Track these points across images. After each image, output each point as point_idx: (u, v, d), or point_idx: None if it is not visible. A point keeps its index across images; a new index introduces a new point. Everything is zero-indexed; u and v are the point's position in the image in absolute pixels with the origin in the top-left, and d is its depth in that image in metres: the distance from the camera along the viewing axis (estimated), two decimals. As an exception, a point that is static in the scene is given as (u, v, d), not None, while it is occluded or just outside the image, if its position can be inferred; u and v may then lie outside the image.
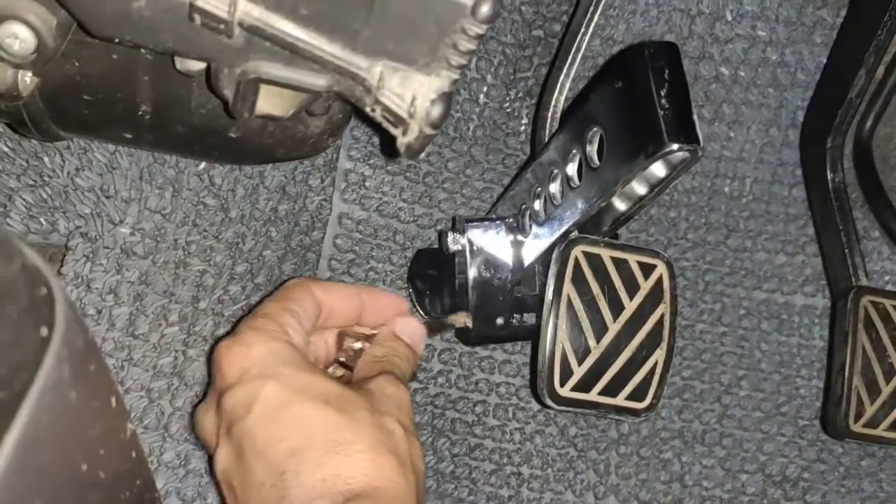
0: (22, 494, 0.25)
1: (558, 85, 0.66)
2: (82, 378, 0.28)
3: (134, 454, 0.35)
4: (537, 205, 0.63)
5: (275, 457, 0.45)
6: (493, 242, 0.66)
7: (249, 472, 0.46)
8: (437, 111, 0.38)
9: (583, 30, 0.66)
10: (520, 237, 0.65)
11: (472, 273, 0.65)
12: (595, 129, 0.54)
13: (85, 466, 0.29)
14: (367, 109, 0.39)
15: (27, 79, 0.46)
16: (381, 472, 0.45)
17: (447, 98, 0.38)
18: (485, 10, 0.36)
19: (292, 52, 0.38)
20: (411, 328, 0.58)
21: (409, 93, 0.38)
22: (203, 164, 0.65)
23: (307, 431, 0.45)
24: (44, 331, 0.25)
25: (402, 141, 0.39)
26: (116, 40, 0.40)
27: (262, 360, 0.48)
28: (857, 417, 0.66)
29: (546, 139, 0.63)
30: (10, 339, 0.23)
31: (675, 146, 0.47)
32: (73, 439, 0.28)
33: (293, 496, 0.43)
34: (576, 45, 0.66)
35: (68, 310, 0.27)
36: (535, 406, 0.76)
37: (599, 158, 0.54)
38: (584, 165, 0.56)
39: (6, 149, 0.63)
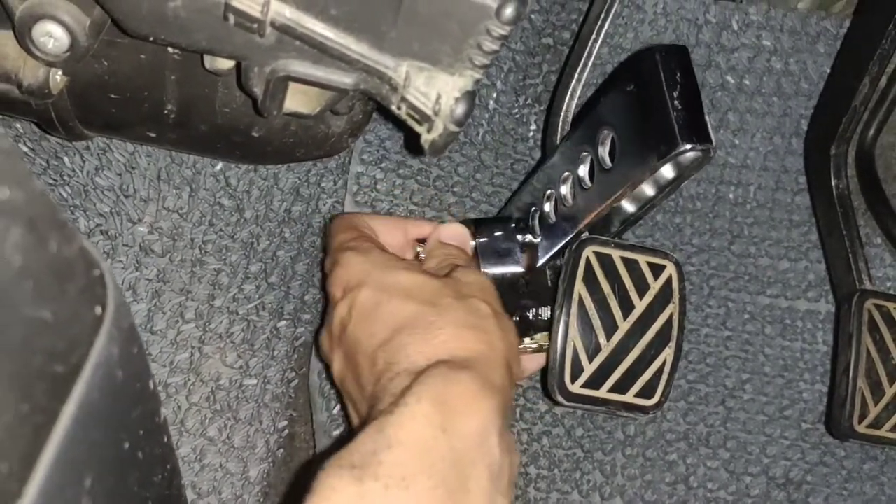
0: (76, 468, 0.26)
1: (569, 91, 0.67)
2: (127, 359, 0.29)
3: (165, 439, 0.36)
4: (548, 206, 0.64)
5: (370, 350, 0.50)
6: (504, 244, 0.67)
7: (355, 369, 0.52)
8: (461, 109, 0.39)
9: (593, 37, 0.67)
10: (529, 239, 0.67)
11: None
12: (607, 131, 0.55)
13: (127, 445, 0.30)
14: (393, 107, 0.41)
15: (58, 77, 0.47)
16: (462, 343, 0.49)
17: (471, 96, 0.39)
18: (509, 11, 0.38)
19: (321, 51, 0.39)
20: (452, 231, 0.63)
21: (434, 91, 0.39)
22: (220, 165, 0.66)
23: (394, 323, 0.50)
24: (97, 310, 0.26)
25: (427, 138, 0.40)
26: (151, 39, 0.41)
27: (357, 272, 0.54)
28: (862, 418, 0.67)
29: (556, 143, 0.65)
30: (70, 315, 0.24)
31: (687, 146, 0.48)
32: (119, 418, 0.29)
33: (384, 378, 0.48)
34: (586, 52, 0.67)
35: (118, 292, 0.28)
36: (543, 407, 0.77)
37: (611, 160, 0.55)
38: (596, 167, 0.57)
39: (26, 149, 0.64)
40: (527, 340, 0.65)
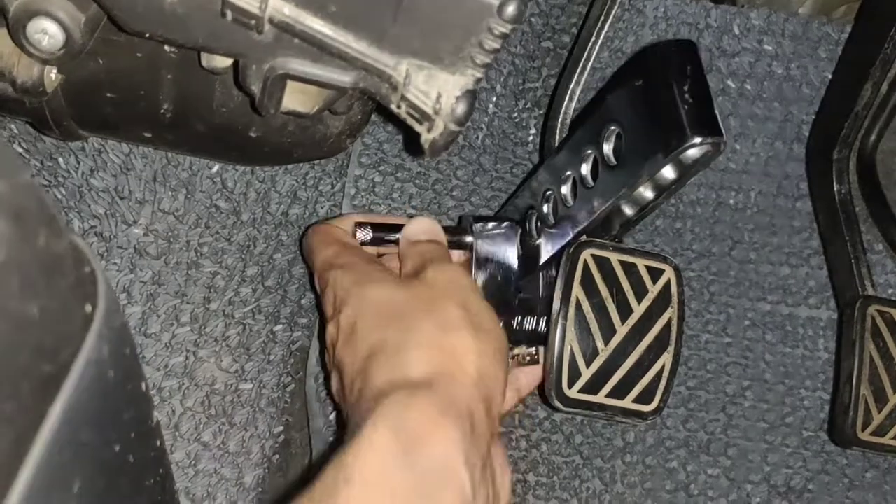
0: (63, 471, 0.25)
1: (567, 95, 0.66)
2: (118, 359, 0.28)
3: (158, 443, 0.36)
4: (546, 208, 0.62)
5: (349, 377, 0.51)
6: (500, 244, 0.65)
7: (342, 389, 0.53)
8: (461, 108, 0.38)
9: (592, 40, 0.67)
10: (526, 240, 0.65)
11: (477, 275, 0.64)
12: (613, 127, 0.54)
13: (118, 448, 0.29)
14: (393, 106, 0.40)
15: (52, 75, 0.47)
16: (425, 363, 0.48)
17: (472, 96, 0.39)
18: (511, 9, 0.37)
19: (320, 49, 0.39)
20: (419, 227, 0.61)
21: (435, 90, 0.39)
22: (216, 167, 0.65)
23: (366, 350, 0.50)
24: (88, 308, 0.25)
25: (427, 137, 0.40)
26: (147, 36, 0.40)
27: (341, 292, 0.54)
28: (865, 426, 0.66)
29: (555, 146, 0.64)
30: (59, 312, 0.23)
31: (697, 139, 0.47)
32: (109, 419, 0.28)
33: (362, 399, 0.48)
34: (585, 55, 0.67)
35: (109, 290, 0.27)
36: (542, 414, 0.76)
37: (617, 157, 0.54)
38: (601, 165, 0.56)
39: (21, 149, 0.63)
40: (516, 349, 0.63)
